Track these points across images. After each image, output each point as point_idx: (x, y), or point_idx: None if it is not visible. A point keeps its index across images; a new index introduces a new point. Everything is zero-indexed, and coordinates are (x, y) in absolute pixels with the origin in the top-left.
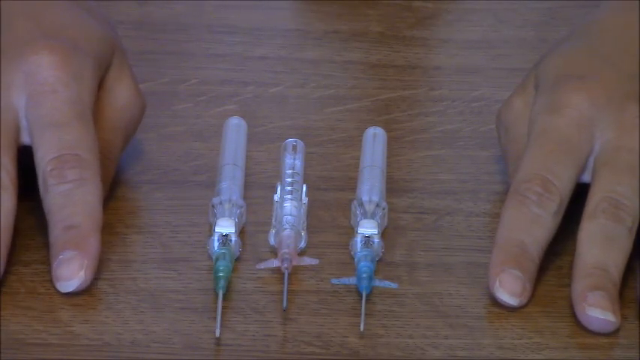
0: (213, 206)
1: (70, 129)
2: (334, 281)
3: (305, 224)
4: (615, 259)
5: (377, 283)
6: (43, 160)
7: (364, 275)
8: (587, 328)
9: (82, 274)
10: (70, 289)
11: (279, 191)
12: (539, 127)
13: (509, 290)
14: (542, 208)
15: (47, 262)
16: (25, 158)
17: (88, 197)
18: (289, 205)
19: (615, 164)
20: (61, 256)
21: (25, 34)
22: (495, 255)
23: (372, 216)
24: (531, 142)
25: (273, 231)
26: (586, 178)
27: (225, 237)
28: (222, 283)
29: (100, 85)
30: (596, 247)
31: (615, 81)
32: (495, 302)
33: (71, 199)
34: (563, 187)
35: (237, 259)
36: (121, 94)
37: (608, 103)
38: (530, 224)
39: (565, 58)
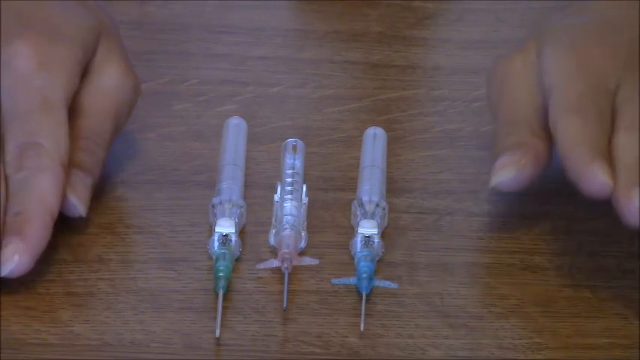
0: (213, 206)
1: (33, 118)
2: (334, 281)
3: (305, 224)
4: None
5: (377, 283)
6: (5, 150)
7: (364, 275)
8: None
9: (16, 258)
10: (5, 273)
11: (279, 191)
12: (566, 69)
13: (604, 170)
14: (602, 125)
15: (47, 262)
16: None
17: (43, 184)
18: (289, 205)
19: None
20: (4, 242)
21: (3, 23)
22: (580, 149)
23: (372, 216)
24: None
25: (273, 231)
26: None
27: (225, 237)
28: (222, 283)
29: (87, 68)
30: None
31: (620, 45)
32: (495, 302)
33: (25, 186)
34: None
35: (237, 259)
36: (108, 77)
37: (627, 61)
38: (600, 132)
39: (569, 27)
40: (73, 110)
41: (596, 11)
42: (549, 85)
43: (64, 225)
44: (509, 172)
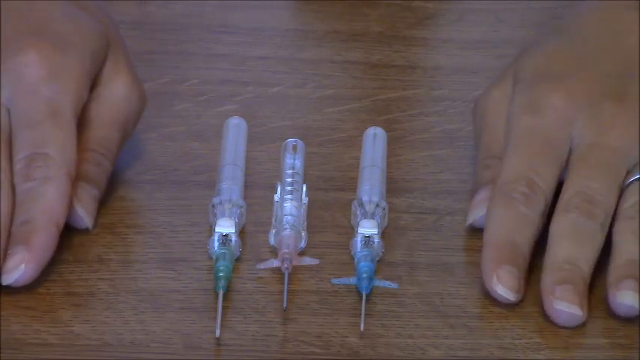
0: (213, 206)
1: (41, 128)
2: (334, 281)
3: (305, 224)
4: (586, 254)
5: (377, 283)
6: (14, 159)
7: (364, 275)
8: (554, 321)
9: (22, 267)
10: (10, 282)
11: (279, 191)
12: (521, 127)
13: (507, 285)
14: (529, 208)
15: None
16: None
17: (49, 195)
18: (289, 205)
19: (590, 160)
20: (10, 251)
21: (13, 32)
22: (489, 253)
23: (372, 216)
24: (514, 143)
25: (273, 231)
26: (565, 175)
27: (225, 237)
28: (222, 283)
29: (96, 79)
30: (568, 242)
31: (593, 80)
32: (495, 302)
33: (31, 196)
34: (547, 187)
35: (237, 259)
36: (116, 89)
37: (586, 102)
38: (519, 223)
39: (545, 56)
40: (80, 121)
41: (581, 32)
42: (506, 135)
43: (64, 225)
44: (484, 209)
